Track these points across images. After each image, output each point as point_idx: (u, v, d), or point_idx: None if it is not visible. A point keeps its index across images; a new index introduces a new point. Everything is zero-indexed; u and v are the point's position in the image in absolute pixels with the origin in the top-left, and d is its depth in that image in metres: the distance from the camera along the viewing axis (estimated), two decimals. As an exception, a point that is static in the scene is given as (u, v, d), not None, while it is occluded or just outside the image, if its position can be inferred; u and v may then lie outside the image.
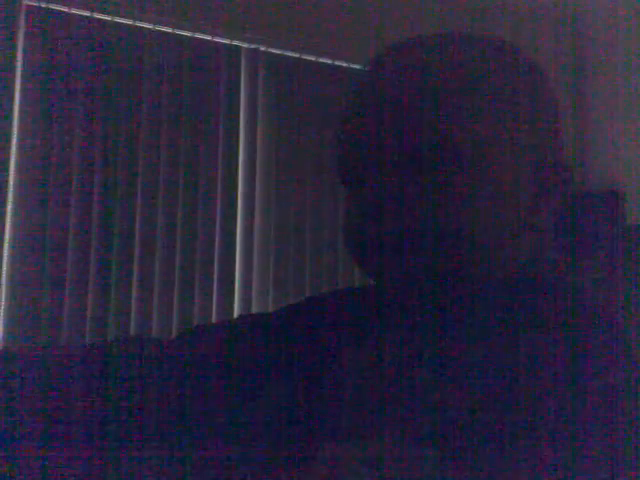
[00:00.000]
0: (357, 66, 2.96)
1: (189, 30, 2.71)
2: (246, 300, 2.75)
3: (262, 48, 2.85)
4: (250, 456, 0.67)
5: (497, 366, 0.61)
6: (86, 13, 2.55)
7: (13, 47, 2.45)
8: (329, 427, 0.65)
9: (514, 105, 0.66)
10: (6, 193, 2.41)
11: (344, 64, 2.93)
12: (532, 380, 0.58)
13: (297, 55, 2.88)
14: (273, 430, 0.68)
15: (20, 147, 2.46)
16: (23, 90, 2.48)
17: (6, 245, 2.41)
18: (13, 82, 2.46)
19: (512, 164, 0.65)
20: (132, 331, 2.52)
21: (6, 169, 2.42)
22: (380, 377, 0.66)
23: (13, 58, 2.46)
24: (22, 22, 2.49)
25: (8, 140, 2.43)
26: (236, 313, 2.70)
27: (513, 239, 0.66)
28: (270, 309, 2.67)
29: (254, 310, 2.74)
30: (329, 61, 2.92)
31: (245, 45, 2.83)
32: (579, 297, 0.68)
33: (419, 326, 0.68)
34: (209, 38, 2.75)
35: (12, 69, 2.45)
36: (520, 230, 0.66)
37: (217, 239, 2.71)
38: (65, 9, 2.53)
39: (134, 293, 2.55)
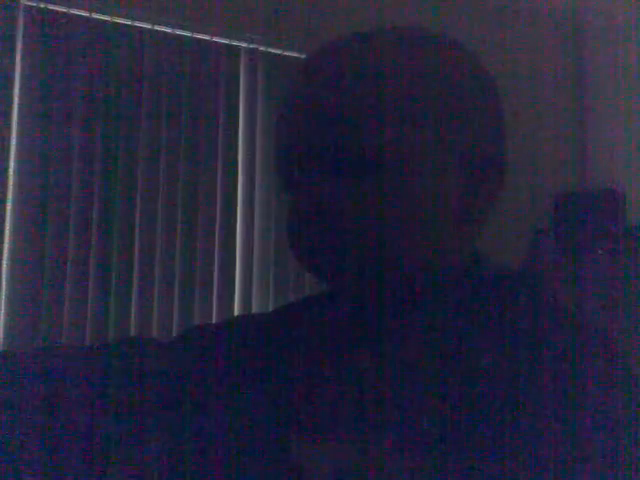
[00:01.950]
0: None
1: (188, 30, 2.71)
2: (246, 300, 2.75)
3: (261, 48, 2.85)
4: (249, 453, 0.67)
5: (453, 364, 0.61)
6: (85, 13, 2.55)
7: (12, 47, 2.45)
8: (314, 427, 0.66)
9: (441, 102, 0.65)
10: (6, 192, 2.41)
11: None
12: (491, 379, 0.59)
13: (296, 55, 2.88)
14: (270, 429, 0.68)
15: (19, 147, 2.46)
16: (22, 90, 2.48)
17: (6, 245, 2.40)
18: (12, 82, 2.45)
19: (439, 162, 0.64)
20: (132, 332, 2.52)
21: (6, 169, 2.42)
22: (361, 378, 0.67)
23: (12, 58, 2.45)
24: (21, 22, 2.48)
25: (7, 140, 2.43)
26: (236, 313, 2.70)
27: (448, 234, 0.66)
28: (270, 309, 2.67)
29: (254, 310, 2.74)
30: (328, 61, 2.92)
31: (244, 45, 2.83)
32: (526, 288, 0.68)
33: (374, 328, 0.69)
34: (208, 38, 2.75)
35: (11, 69, 2.45)
36: (455, 225, 0.66)
37: (217, 239, 2.71)
38: (64, 9, 2.52)
39: (134, 293, 2.55)
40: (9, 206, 2.42)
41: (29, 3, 2.49)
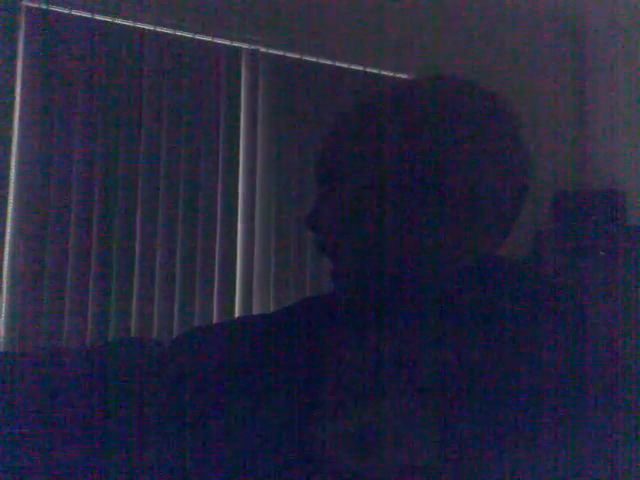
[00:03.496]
0: (357, 67, 2.96)
1: (189, 31, 2.71)
2: (247, 301, 2.75)
3: (262, 49, 2.85)
4: (249, 454, 0.68)
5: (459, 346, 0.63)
6: (86, 14, 2.56)
7: (13, 49, 2.46)
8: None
9: (471, 147, 0.71)
10: (7, 193, 2.41)
11: (344, 65, 2.93)
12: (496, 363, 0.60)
13: (297, 56, 2.88)
14: (271, 433, 0.68)
15: (21, 147, 2.46)
16: (23, 91, 2.48)
17: (7, 246, 2.41)
18: (13, 83, 2.46)
19: (468, 189, 0.70)
20: (133, 333, 2.52)
21: (7, 169, 2.42)
22: (368, 374, 0.68)
23: (13, 60, 2.46)
24: (22, 24, 2.49)
25: (9, 141, 2.43)
26: (237, 314, 2.70)
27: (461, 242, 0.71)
28: (271, 310, 2.67)
29: (255, 311, 2.73)
30: (329, 62, 2.92)
31: (245, 46, 2.83)
32: (530, 274, 0.74)
33: (379, 325, 0.71)
34: (209, 39, 2.75)
35: (12, 70, 2.45)
36: (467, 234, 0.71)
37: (218, 240, 2.71)
38: (65, 10, 2.53)
39: (135, 294, 2.56)
40: (9, 206, 2.42)
41: (31, 4, 2.50)
